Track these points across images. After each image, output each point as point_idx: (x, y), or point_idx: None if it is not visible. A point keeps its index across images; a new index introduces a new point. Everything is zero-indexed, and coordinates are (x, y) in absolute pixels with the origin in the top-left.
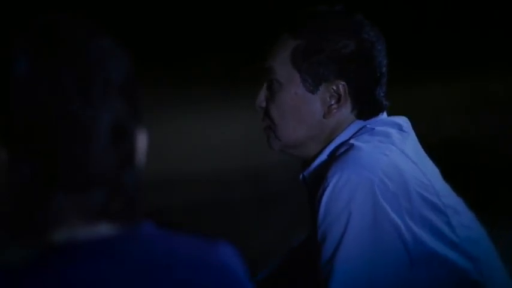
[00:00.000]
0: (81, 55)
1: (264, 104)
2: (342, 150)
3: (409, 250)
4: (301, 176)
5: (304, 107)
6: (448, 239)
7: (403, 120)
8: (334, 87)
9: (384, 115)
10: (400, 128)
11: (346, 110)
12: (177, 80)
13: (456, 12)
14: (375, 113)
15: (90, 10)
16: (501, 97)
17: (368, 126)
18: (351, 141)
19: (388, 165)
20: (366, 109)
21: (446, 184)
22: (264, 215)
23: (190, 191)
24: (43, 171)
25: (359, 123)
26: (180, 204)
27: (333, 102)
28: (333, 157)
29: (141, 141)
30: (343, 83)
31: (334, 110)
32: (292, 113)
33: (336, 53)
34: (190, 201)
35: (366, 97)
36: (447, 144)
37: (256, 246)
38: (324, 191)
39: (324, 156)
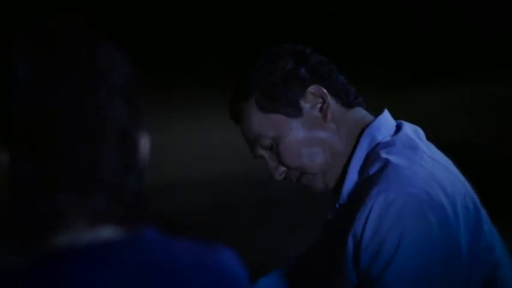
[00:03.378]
0: (83, 57)
1: (283, 168)
2: (375, 167)
3: (462, 258)
4: (337, 206)
5: (307, 131)
6: (484, 244)
7: (418, 128)
8: (311, 96)
9: (387, 117)
10: (418, 136)
11: (334, 104)
12: (177, 82)
13: (456, 15)
14: (353, 98)
15: (89, 12)
16: (501, 98)
17: (386, 137)
18: (383, 155)
19: (427, 176)
20: (344, 96)
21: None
22: (264, 218)
23: (191, 194)
24: (45, 173)
25: (369, 133)
26: (180, 207)
27: (320, 105)
28: (365, 175)
29: (144, 145)
30: (313, 86)
31: (327, 109)
32: (305, 145)
33: (286, 73)
34: (191, 204)
35: (334, 86)
36: (447, 146)
37: (257, 249)
38: (369, 212)
39: (353, 176)
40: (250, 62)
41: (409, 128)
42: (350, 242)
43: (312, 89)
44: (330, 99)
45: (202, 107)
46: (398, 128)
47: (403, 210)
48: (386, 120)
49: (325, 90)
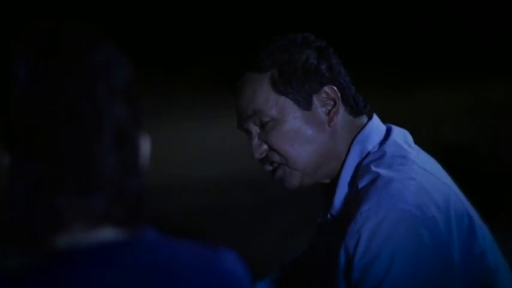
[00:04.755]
0: (82, 57)
1: (265, 147)
2: (365, 180)
3: (455, 271)
4: (328, 216)
5: (308, 126)
6: (478, 250)
7: (407, 133)
8: (324, 95)
9: (377, 122)
10: (406, 142)
11: (342, 111)
12: (177, 84)
13: (457, 18)
14: (362, 106)
15: (89, 13)
16: (501, 102)
17: (376, 145)
18: (373, 168)
19: (419, 190)
20: (354, 104)
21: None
22: (263, 220)
23: (189, 196)
24: (46, 174)
25: (359, 142)
26: (179, 209)
27: (330, 108)
28: (355, 187)
29: (144, 146)
30: (331, 86)
31: (334, 115)
32: (300, 138)
33: (308, 64)
34: (189, 206)
35: (347, 93)
36: (447, 149)
37: (256, 250)
38: (361, 229)
39: (344, 186)
40: (273, 39)
41: (398, 133)
42: (342, 257)
43: (328, 88)
44: (340, 104)
45: (200, 108)
46: (388, 132)
47: (395, 227)
48: (375, 126)
49: (339, 94)
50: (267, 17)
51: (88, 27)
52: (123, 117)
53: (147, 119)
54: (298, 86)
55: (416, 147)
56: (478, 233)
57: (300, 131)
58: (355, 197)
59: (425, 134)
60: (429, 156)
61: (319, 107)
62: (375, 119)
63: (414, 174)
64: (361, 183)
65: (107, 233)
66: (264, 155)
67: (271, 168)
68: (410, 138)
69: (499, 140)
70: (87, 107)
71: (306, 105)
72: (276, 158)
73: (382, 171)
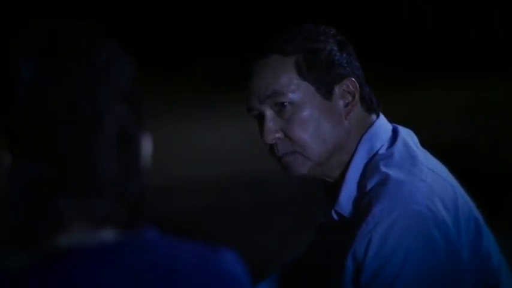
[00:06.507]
0: (84, 57)
1: (279, 134)
2: (373, 181)
3: (464, 271)
4: (332, 213)
5: (326, 116)
6: (484, 250)
7: (412, 133)
8: (345, 87)
9: (384, 121)
10: (414, 142)
11: (358, 105)
12: (177, 84)
13: (457, 18)
14: (375, 104)
15: (87, 15)
16: (501, 102)
17: (384, 143)
18: (382, 169)
19: (429, 192)
20: (369, 101)
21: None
22: (263, 220)
23: (189, 196)
24: (46, 175)
25: (367, 139)
26: (179, 209)
27: (348, 100)
28: (364, 188)
29: (146, 146)
30: (351, 79)
31: (352, 108)
32: (318, 126)
33: (332, 56)
34: (189, 206)
35: (365, 89)
36: (447, 149)
37: (255, 251)
38: (372, 231)
39: (351, 184)
40: (297, 28)
41: (405, 134)
42: (350, 260)
43: (348, 81)
44: (357, 99)
45: (200, 108)
46: (395, 132)
47: (408, 228)
48: (383, 124)
49: (358, 88)
50: (266, 17)
51: (88, 27)
52: (124, 117)
53: (147, 119)
54: (322, 75)
55: (421, 148)
56: (484, 233)
57: (318, 120)
58: (364, 197)
59: (425, 134)
60: (433, 157)
61: (338, 99)
62: (382, 117)
63: (424, 176)
64: (370, 184)
65: (108, 233)
66: (274, 141)
67: (281, 154)
68: (416, 138)
69: (499, 140)
70: (87, 107)
71: (326, 94)
72: (288, 148)
73: (392, 172)
